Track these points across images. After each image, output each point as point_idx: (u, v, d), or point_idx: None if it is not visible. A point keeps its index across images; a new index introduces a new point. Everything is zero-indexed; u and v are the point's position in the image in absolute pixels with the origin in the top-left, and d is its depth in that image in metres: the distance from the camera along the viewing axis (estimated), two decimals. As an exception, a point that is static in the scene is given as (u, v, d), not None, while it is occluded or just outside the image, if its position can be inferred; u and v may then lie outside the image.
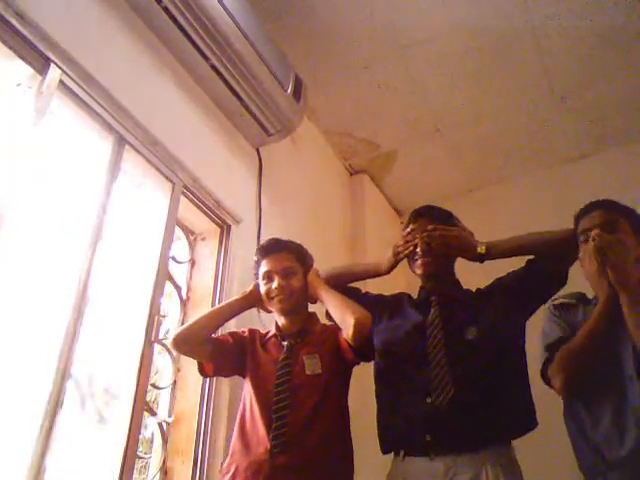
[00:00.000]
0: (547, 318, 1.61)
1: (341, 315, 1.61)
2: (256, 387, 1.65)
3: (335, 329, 1.66)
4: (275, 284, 1.70)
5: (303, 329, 1.72)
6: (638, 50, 2.71)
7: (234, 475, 1.53)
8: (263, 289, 1.74)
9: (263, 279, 1.74)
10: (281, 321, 1.75)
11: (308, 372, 1.61)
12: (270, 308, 1.76)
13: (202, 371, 1.76)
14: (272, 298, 1.72)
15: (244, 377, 1.73)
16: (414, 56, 2.78)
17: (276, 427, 1.52)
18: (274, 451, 1.49)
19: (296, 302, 1.72)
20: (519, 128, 3.20)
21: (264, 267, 1.75)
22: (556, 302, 1.58)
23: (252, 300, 1.79)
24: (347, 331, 1.56)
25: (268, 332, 1.78)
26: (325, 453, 1.52)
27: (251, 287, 1.80)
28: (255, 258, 1.80)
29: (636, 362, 1.32)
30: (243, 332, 1.80)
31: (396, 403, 1.62)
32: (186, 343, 1.71)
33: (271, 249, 1.77)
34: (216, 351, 1.72)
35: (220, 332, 1.84)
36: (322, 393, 1.59)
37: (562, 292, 1.63)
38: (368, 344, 1.59)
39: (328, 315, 1.76)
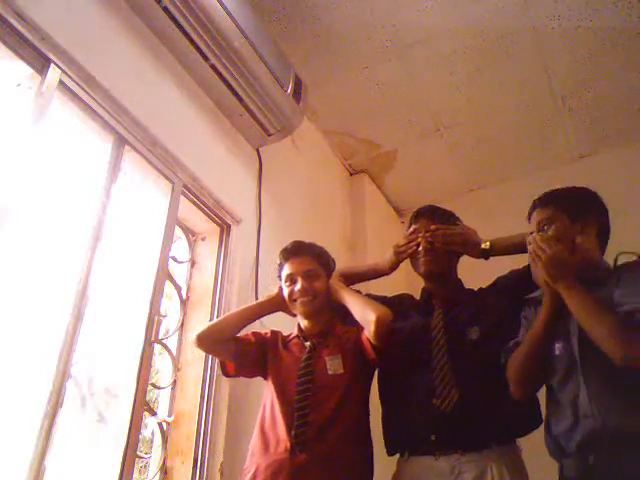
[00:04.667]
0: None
1: (362, 314, 1.61)
2: (278, 387, 1.65)
3: (357, 330, 1.67)
4: (298, 287, 1.71)
5: (325, 330, 1.72)
6: (638, 50, 2.71)
7: (255, 475, 1.54)
8: (286, 292, 1.74)
9: (286, 282, 1.75)
10: (304, 323, 1.75)
11: (330, 372, 1.62)
12: (293, 311, 1.77)
13: (224, 370, 1.78)
14: (295, 300, 1.72)
15: (265, 378, 1.73)
16: (414, 56, 2.78)
17: (297, 426, 1.53)
18: (294, 450, 1.50)
19: (319, 304, 1.72)
20: (519, 128, 3.20)
21: (287, 270, 1.75)
22: (527, 298, 1.58)
23: (277, 303, 1.79)
24: (369, 328, 1.56)
25: (290, 334, 1.79)
26: (345, 452, 1.53)
27: (276, 290, 1.80)
28: (278, 261, 1.80)
29: (585, 351, 1.34)
30: (265, 333, 1.80)
31: (401, 405, 1.62)
32: (210, 341, 1.72)
33: (294, 252, 1.77)
34: (239, 351, 1.72)
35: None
36: (344, 393, 1.59)
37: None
38: (389, 342, 1.59)
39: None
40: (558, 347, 1.42)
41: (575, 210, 1.49)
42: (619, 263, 1.42)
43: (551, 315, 1.40)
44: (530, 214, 1.55)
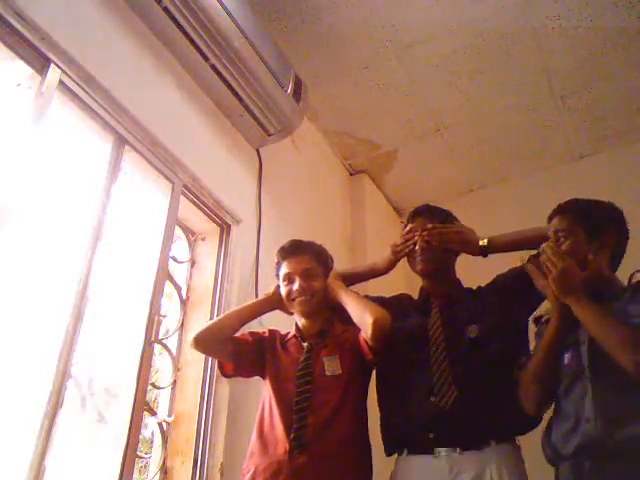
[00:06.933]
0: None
1: (360, 315, 1.60)
2: (276, 387, 1.65)
3: (355, 331, 1.66)
4: (296, 286, 1.70)
5: (323, 330, 1.72)
6: (638, 50, 2.71)
7: (253, 475, 1.54)
8: (284, 291, 1.74)
9: (284, 281, 1.74)
10: (301, 322, 1.75)
11: (328, 373, 1.62)
12: (291, 310, 1.76)
13: (222, 370, 1.77)
14: (293, 299, 1.71)
15: (264, 378, 1.73)
16: (414, 56, 2.78)
17: (297, 428, 1.53)
18: (293, 452, 1.50)
19: (317, 304, 1.71)
20: (519, 128, 3.20)
21: (285, 269, 1.74)
22: (542, 319, 1.58)
23: (273, 302, 1.79)
24: (366, 331, 1.56)
25: (288, 333, 1.78)
26: (344, 453, 1.53)
27: (273, 289, 1.80)
28: (276, 260, 1.79)
29: (592, 360, 1.35)
30: (263, 332, 1.80)
31: (399, 404, 1.62)
32: (207, 342, 1.72)
33: (292, 251, 1.76)
34: (236, 351, 1.71)
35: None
36: (342, 394, 1.59)
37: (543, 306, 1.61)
38: (388, 343, 1.58)
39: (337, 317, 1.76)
40: (567, 357, 1.42)
41: (594, 228, 1.47)
42: (634, 280, 1.43)
43: (560, 328, 1.41)
44: (551, 217, 1.55)
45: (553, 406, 1.48)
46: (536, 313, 1.63)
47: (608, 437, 1.26)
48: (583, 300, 1.35)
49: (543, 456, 1.46)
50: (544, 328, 1.53)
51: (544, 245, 1.45)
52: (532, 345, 1.61)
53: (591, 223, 1.48)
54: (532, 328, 1.65)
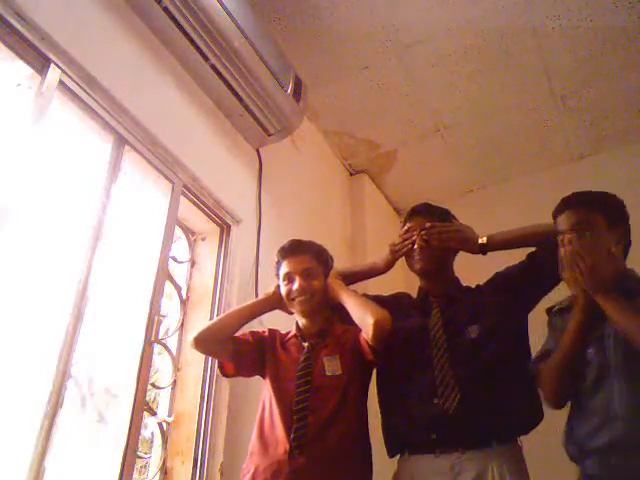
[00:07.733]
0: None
1: (361, 316, 1.60)
2: (276, 388, 1.65)
3: (356, 330, 1.66)
4: (296, 285, 1.70)
5: (324, 330, 1.72)
6: (638, 50, 2.71)
7: (254, 475, 1.54)
8: (284, 290, 1.73)
9: (284, 280, 1.74)
10: (302, 322, 1.75)
11: (328, 373, 1.62)
12: (291, 309, 1.76)
13: (223, 371, 1.77)
14: (293, 299, 1.71)
15: (264, 378, 1.73)
16: (414, 56, 2.78)
17: (297, 428, 1.53)
18: (294, 452, 1.50)
19: (317, 303, 1.71)
20: (519, 128, 3.20)
21: (285, 268, 1.74)
22: (554, 309, 1.58)
23: (274, 301, 1.78)
24: (367, 331, 1.56)
25: (288, 332, 1.78)
26: (344, 453, 1.53)
27: (273, 288, 1.80)
28: (276, 259, 1.79)
29: (621, 355, 1.34)
30: (263, 332, 1.79)
31: (401, 405, 1.62)
32: (207, 342, 1.72)
33: (292, 250, 1.76)
34: (237, 351, 1.71)
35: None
36: (342, 394, 1.59)
37: (558, 297, 1.61)
38: (388, 344, 1.58)
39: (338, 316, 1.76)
40: (590, 352, 1.41)
41: (613, 217, 1.45)
42: None
43: (585, 322, 1.38)
44: (560, 212, 1.50)
45: (570, 402, 1.47)
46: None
47: (637, 435, 1.26)
48: (613, 296, 1.33)
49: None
50: (557, 319, 1.52)
51: (567, 237, 1.40)
52: (540, 335, 1.60)
53: (611, 213, 1.45)
54: (532, 319, 1.64)
